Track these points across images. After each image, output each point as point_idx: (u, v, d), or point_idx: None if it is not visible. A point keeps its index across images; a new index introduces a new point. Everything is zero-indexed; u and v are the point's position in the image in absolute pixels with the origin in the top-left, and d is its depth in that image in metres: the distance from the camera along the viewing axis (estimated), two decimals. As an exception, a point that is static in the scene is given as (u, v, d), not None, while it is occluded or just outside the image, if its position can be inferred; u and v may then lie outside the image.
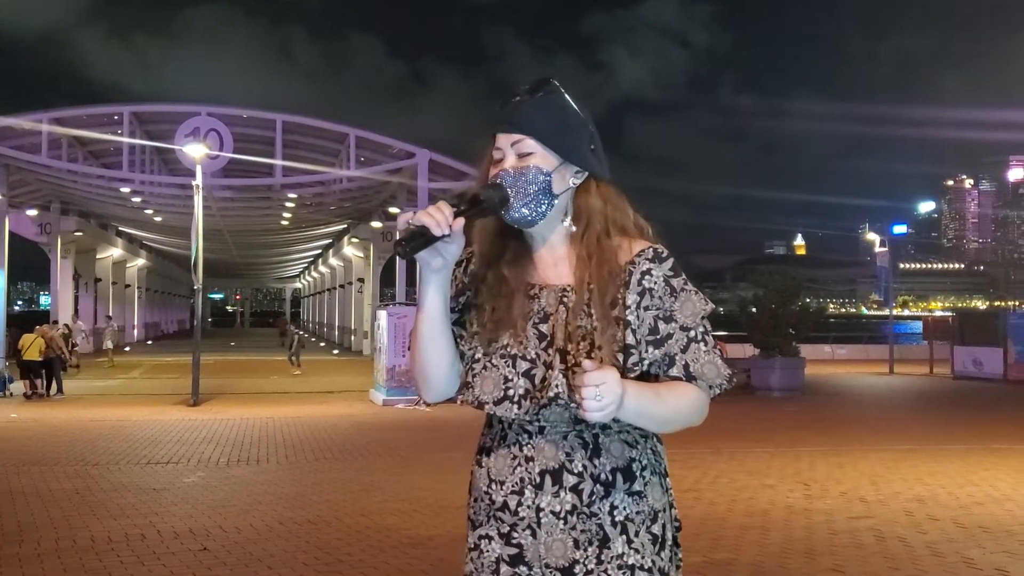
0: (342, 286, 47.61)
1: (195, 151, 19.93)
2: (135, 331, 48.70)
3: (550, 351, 1.81)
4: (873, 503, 8.22)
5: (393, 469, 10.30)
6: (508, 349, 1.84)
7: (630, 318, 1.81)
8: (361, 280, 40.72)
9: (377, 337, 20.67)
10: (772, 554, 6.35)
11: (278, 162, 26.68)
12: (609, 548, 1.78)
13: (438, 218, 1.73)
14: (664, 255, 1.86)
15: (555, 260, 1.91)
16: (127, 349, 40.84)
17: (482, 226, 1.94)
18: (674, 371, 1.81)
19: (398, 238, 1.77)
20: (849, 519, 7.54)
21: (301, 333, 28.24)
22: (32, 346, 18.80)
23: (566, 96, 1.90)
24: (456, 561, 6.50)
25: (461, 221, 1.76)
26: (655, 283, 1.83)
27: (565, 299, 1.84)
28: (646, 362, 1.81)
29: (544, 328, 1.83)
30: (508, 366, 1.83)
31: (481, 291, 1.92)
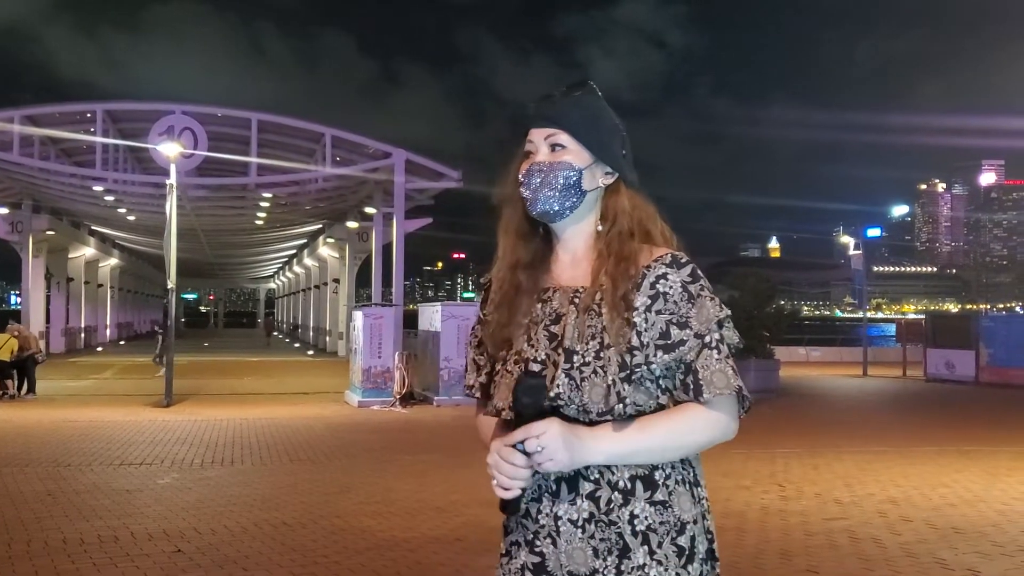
0: (317, 286, 47.41)
1: (169, 150, 19.75)
2: (108, 331, 48.27)
3: (560, 351, 1.79)
4: (847, 504, 8.28)
5: (369, 471, 10.26)
6: (522, 354, 1.84)
7: (637, 320, 1.78)
8: (336, 281, 40.57)
9: (352, 338, 20.61)
10: (747, 555, 6.37)
11: (253, 160, 26.53)
12: (629, 558, 1.74)
13: (508, 483, 1.70)
14: (683, 261, 1.82)
15: (574, 262, 1.91)
16: (99, 349, 40.50)
17: (505, 228, 1.95)
18: (688, 379, 1.77)
19: (501, 507, 1.77)
20: (824, 520, 7.59)
21: (164, 332, 28.21)
22: (4, 346, 18.56)
23: (602, 98, 1.92)
24: (431, 563, 6.50)
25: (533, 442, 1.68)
26: (671, 287, 1.80)
27: (576, 299, 1.84)
28: (654, 366, 1.77)
29: (555, 329, 1.82)
30: (521, 370, 1.82)
31: (497, 298, 1.93)
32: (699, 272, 1.83)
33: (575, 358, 1.77)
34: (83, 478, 9.49)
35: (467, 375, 2.03)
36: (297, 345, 49.21)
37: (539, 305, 1.87)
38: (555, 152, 1.87)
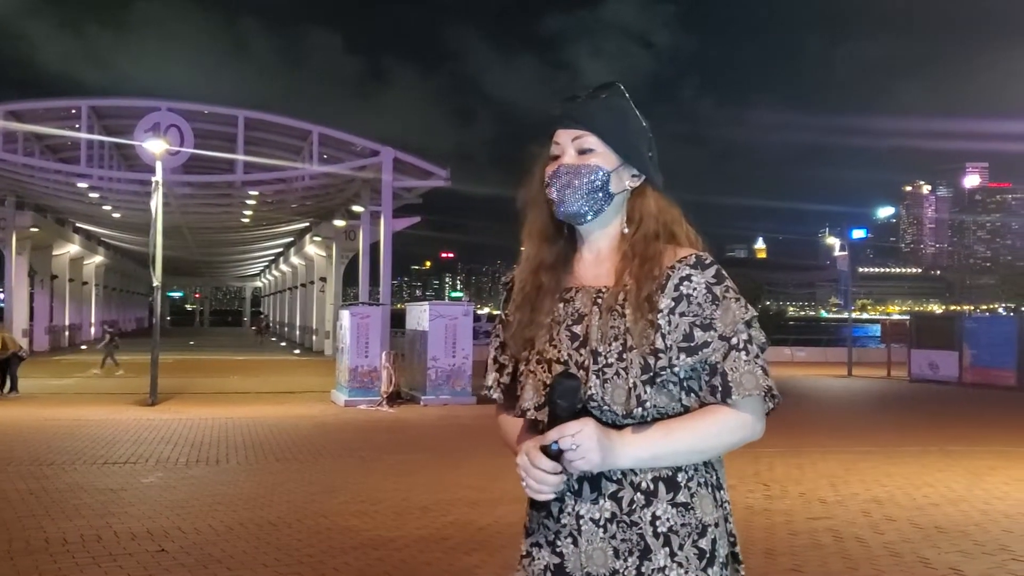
0: (304, 285, 47.28)
1: (155, 147, 19.67)
2: (92, 329, 48.02)
3: (583, 351, 1.79)
4: (832, 504, 8.32)
5: (354, 470, 10.25)
6: (544, 354, 1.84)
7: (661, 322, 1.76)
8: (323, 279, 40.47)
9: (339, 337, 20.56)
10: (732, 555, 6.39)
11: (240, 157, 26.45)
12: (650, 560, 1.73)
13: (539, 488, 1.71)
14: (708, 262, 1.81)
15: (598, 262, 1.90)
16: (83, 348, 40.29)
17: (530, 231, 1.94)
18: (715, 381, 1.75)
19: (530, 504, 1.82)
20: (808, 519, 7.62)
21: (114, 332, 28.13)
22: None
23: (629, 100, 1.91)
24: (417, 563, 6.49)
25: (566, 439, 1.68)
26: (695, 289, 1.78)
27: (599, 300, 1.83)
28: (677, 368, 1.76)
29: (577, 329, 1.82)
30: (544, 371, 1.82)
31: (519, 299, 1.93)
32: (724, 273, 1.81)
33: (599, 359, 1.76)
34: (66, 477, 9.44)
35: (487, 375, 2.02)
36: (283, 344, 49.08)
37: (561, 305, 1.87)
38: (583, 155, 1.86)
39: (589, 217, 1.87)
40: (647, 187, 1.91)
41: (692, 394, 1.79)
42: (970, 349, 26.00)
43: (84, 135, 25.98)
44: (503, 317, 2.00)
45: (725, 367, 1.74)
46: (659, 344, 1.75)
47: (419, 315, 19.00)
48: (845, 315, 37.58)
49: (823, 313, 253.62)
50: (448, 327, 17.94)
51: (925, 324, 30.19)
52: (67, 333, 41.33)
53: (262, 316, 70.38)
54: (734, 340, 1.76)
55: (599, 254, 1.90)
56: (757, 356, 1.76)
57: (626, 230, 1.89)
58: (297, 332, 49.56)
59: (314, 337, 42.29)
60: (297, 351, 41.52)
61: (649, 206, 1.89)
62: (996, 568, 6.14)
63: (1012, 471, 10.24)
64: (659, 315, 1.77)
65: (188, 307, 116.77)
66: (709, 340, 1.75)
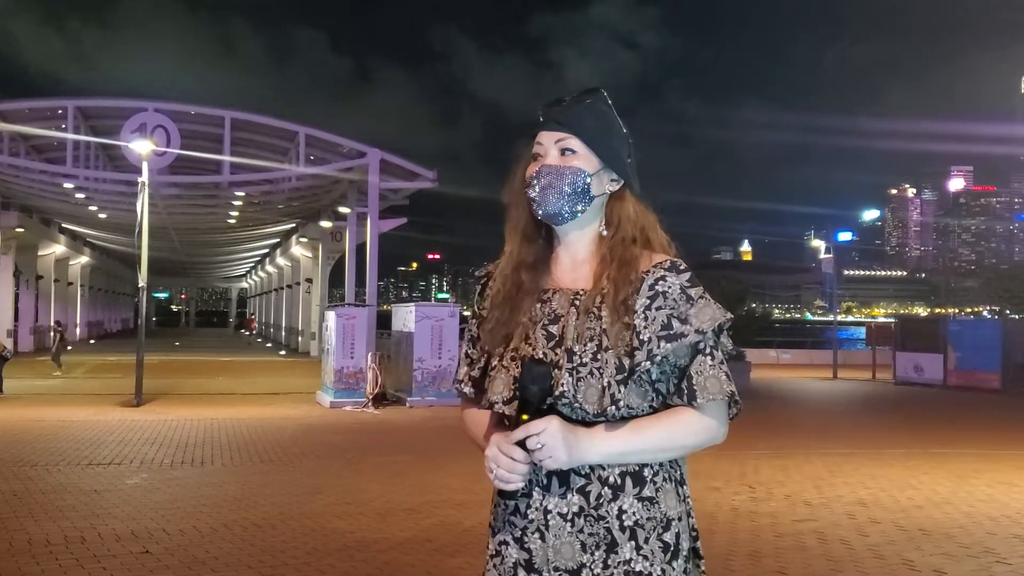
0: (290, 286, 47.15)
1: (141, 147, 19.60)
2: (78, 330, 47.80)
3: (558, 351, 1.82)
4: (817, 506, 8.34)
5: (339, 472, 10.22)
6: (519, 351, 1.86)
7: (636, 322, 1.80)
8: (309, 280, 40.38)
9: (325, 338, 20.51)
10: (718, 556, 6.41)
11: (226, 158, 26.36)
12: (617, 553, 1.77)
13: (508, 477, 1.75)
14: (682, 267, 1.86)
15: (575, 264, 1.94)
16: (69, 348, 40.07)
17: (512, 228, 1.97)
18: (683, 384, 1.81)
19: (498, 493, 1.84)
20: (793, 522, 7.64)
21: (63, 330, 28.06)
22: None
23: (611, 106, 1.95)
24: (401, 564, 6.47)
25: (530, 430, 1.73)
26: (669, 288, 1.83)
27: (576, 302, 1.86)
28: (657, 357, 1.78)
29: (553, 329, 1.85)
30: (518, 367, 1.84)
31: (498, 297, 1.95)
32: (696, 279, 1.86)
33: (573, 358, 1.80)
34: (50, 478, 9.38)
35: (459, 369, 2.04)
36: (269, 345, 48.94)
37: (538, 305, 1.90)
38: (565, 156, 1.90)
39: (569, 218, 1.90)
40: (626, 192, 1.95)
41: (661, 396, 1.83)
42: (955, 352, 26.12)
43: (70, 135, 25.84)
44: (477, 311, 2.02)
45: (692, 370, 1.80)
46: (635, 343, 1.79)
47: (405, 316, 18.97)
48: (830, 317, 37.71)
49: (808, 315, 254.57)
50: (434, 328, 17.92)
51: (910, 327, 30.32)
52: (52, 334, 41.03)
53: (252, 317, 70.48)
54: (701, 344, 1.80)
55: (576, 256, 1.94)
56: (722, 362, 1.82)
57: (604, 233, 1.93)
58: (283, 333, 49.42)
59: (300, 338, 42.18)
60: (283, 352, 41.41)
61: (628, 210, 1.93)
62: (980, 570, 6.17)
63: (996, 474, 10.29)
64: (635, 316, 1.81)
65: (174, 308, 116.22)
66: (686, 332, 1.79)
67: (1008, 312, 44.73)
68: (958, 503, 8.53)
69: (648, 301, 1.82)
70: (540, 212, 1.90)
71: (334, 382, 18.04)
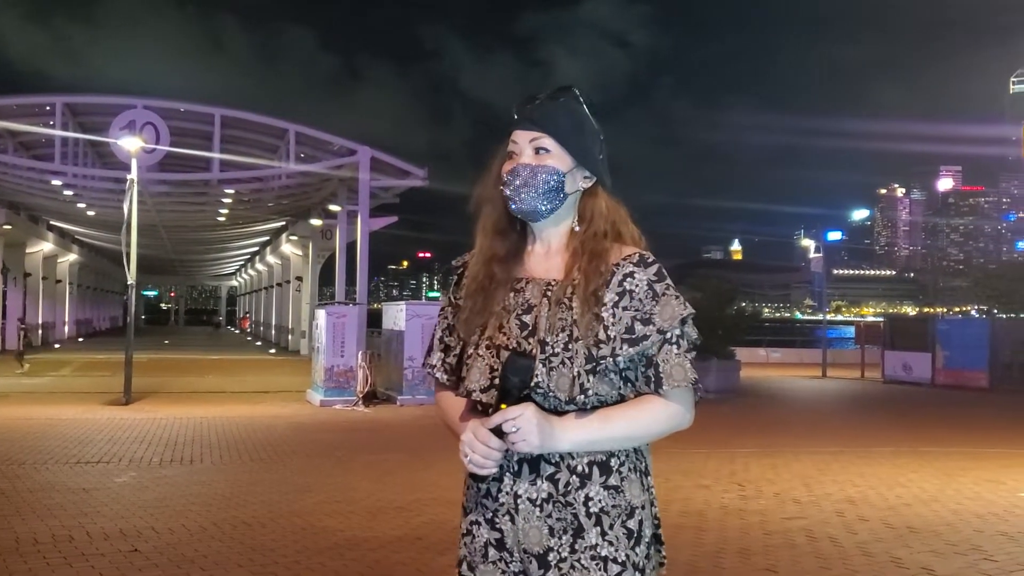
0: (280, 284, 47.03)
1: (130, 144, 19.51)
2: (66, 328, 47.61)
3: (531, 340, 1.88)
4: (806, 504, 8.37)
5: (330, 470, 10.21)
6: (494, 340, 1.92)
7: (604, 315, 1.87)
8: (299, 278, 40.31)
9: (315, 337, 20.48)
10: (707, 554, 6.43)
11: (216, 156, 26.28)
12: (583, 538, 1.84)
13: (482, 463, 1.81)
14: (650, 260, 1.93)
15: (548, 256, 2.00)
16: (57, 346, 39.95)
17: (484, 226, 2.03)
18: (649, 372, 1.88)
19: (470, 475, 1.89)
20: (782, 519, 7.66)
21: (27, 328, 28.04)
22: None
23: (584, 104, 2.00)
24: (391, 563, 6.48)
25: (505, 416, 1.78)
26: (636, 285, 1.90)
27: (549, 292, 1.92)
28: (619, 359, 1.86)
29: (527, 319, 1.91)
30: (493, 356, 1.90)
31: (472, 287, 2.00)
32: (664, 272, 1.93)
33: (546, 348, 1.85)
34: (38, 476, 9.34)
35: (432, 354, 2.09)
36: (259, 343, 48.82)
37: (512, 295, 1.96)
38: (539, 155, 1.96)
39: (544, 215, 1.96)
40: (598, 188, 2.02)
41: (630, 384, 1.91)
42: (943, 351, 26.22)
43: (58, 132, 25.73)
44: (452, 300, 2.08)
45: (658, 359, 1.88)
46: (602, 335, 1.86)
47: (396, 315, 18.95)
48: (820, 317, 37.81)
49: (798, 314, 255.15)
50: (425, 327, 17.89)
51: (899, 326, 30.41)
52: (40, 332, 40.90)
53: (247, 315, 70.60)
54: (668, 335, 1.88)
55: (550, 249, 2.01)
56: (688, 351, 1.90)
57: (577, 228, 2.00)
58: (273, 331, 49.30)
59: (290, 336, 42.09)
60: (273, 350, 41.31)
61: (600, 206, 2.00)
62: (968, 567, 6.20)
63: (984, 472, 10.33)
64: (604, 308, 1.87)
65: (163, 306, 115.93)
66: (648, 333, 1.87)
67: (996, 311, 44.91)
68: (946, 501, 8.56)
69: (616, 298, 1.89)
70: (516, 209, 1.96)
71: (324, 380, 18.01)
